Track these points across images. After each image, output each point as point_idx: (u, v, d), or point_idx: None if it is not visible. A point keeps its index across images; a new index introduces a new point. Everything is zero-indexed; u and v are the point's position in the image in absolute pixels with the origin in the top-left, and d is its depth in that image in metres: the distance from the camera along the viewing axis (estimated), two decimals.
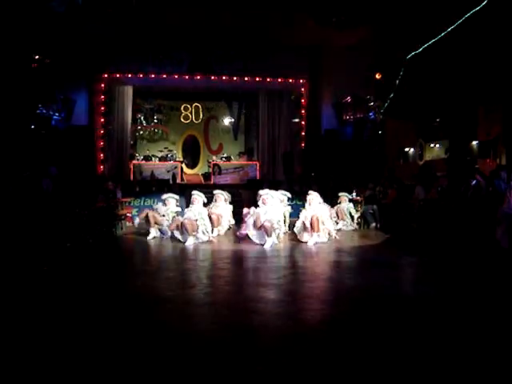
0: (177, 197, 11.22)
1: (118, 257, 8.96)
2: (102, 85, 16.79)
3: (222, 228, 11.39)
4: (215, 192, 12.00)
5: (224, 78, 16.74)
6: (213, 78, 16.65)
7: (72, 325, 4.46)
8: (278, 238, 9.86)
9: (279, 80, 17.19)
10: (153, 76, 16.50)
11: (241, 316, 4.78)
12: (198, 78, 16.61)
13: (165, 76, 16.49)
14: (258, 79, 16.97)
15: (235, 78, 16.85)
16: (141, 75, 16.52)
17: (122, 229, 11.95)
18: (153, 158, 18.80)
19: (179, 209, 10.97)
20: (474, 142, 12.21)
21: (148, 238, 10.53)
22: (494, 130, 11.48)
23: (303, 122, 17.69)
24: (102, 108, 16.80)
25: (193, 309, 5.06)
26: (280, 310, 5.04)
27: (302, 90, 17.68)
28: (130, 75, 16.59)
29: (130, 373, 3.44)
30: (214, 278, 6.72)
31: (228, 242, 10.31)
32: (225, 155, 19.78)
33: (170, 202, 11.02)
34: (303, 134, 17.68)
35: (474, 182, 9.61)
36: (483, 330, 4.37)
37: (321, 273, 7.41)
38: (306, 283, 6.42)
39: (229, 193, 12.31)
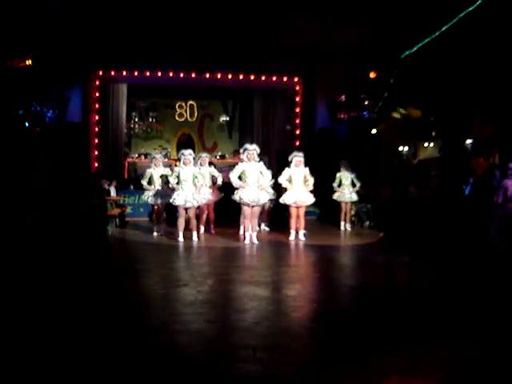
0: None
1: (110, 255, 8.94)
2: (97, 82, 16.72)
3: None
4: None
5: (219, 76, 16.71)
6: (207, 76, 16.61)
7: (62, 323, 4.45)
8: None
9: (274, 79, 17.17)
10: (147, 74, 16.44)
11: (234, 314, 4.79)
12: (193, 76, 16.57)
13: (159, 74, 16.44)
14: (252, 78, 16.95)
15: (230, 77, 16.82)
16: (135, 73, 16.46)
17: (115, 227, 11.95)
18: (147, 156, 18.74)
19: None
20: (468, 141, 12.25)
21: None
22: (487, 129, 11.53)
23: (297, 121, 17.69)
24: (97, 106, 16.74)
25: (185, 307, 5.06)
26: (273, 308, 5.05)
27: (297, 88, 17.69)
28: (124, 73, 16.52)
29: (120, 370, 3.43)
30: (206, 276, 6.73)
31: (222, 239, 10.32)
32: (219, 153, 19.78)
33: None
34: (297, 132, 17.68)
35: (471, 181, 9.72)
36: (480, 327, 4.39)
37: (314, 271, 7.44)
38: (299, 281, 6.44)
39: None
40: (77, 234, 9.32)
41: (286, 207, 10.59)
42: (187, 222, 9.97)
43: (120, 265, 7.88)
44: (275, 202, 11.44)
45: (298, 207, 10.18)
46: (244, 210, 9.81)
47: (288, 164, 10.53)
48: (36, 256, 7.41)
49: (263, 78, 17.03)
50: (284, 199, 10.26)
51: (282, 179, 10.27)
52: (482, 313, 4.90)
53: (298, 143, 17.62)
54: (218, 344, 3.94)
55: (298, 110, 17.71)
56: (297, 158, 10.28)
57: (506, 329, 4.35)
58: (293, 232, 10.18)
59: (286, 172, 10.30)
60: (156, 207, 10.96)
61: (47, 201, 9.80)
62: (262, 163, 9.96)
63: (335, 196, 12.09)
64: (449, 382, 3.27)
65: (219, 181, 10.91)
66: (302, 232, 10.20)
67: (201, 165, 10.85)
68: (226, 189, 11.22)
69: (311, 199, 10.29)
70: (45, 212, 8.61)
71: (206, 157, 11.09)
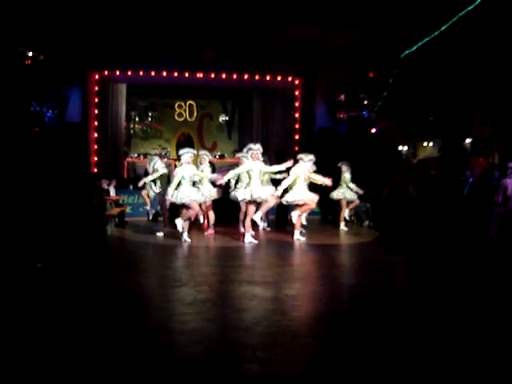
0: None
1: (109, 255, 8.93)
2: (96, 82, 16.72)
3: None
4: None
5: (218, 76, 16.70)
6: (207, 75, 16.60)
7: (61, 323, 4.45)
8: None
9: (273, 78, 17.16)
10: (147, 73, 16.44)
11: (233, 313, 4.79)
12: (192, 75, 16.57)
13: (159, 74, 16.44)
14: (251, 77, 16.94)
15: (229, 76, 16.81)
16: (134, 73, 16.45)
17: (114, 227, 11.94)
18: (147, 156, 18.73)
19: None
20: (468, 141, 12.26)
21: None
22: (486, 129, 11.54)
23: (296, 122, 17.68)
24: (96, 105, 16.73)
25: (184, 307, 5.05)
26: (273, 308, 5.05)
27: (296, 88, 17.68)
28: (123, 72, 16.51)
29: (119, 370, 3.43)
30: (206, 276, 6.72)
31: (222, 239, 10.31)
32: (219, 153, 19.79)
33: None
34: (297, 132, 17.67)
35: (467, 174, 9.74)
36: (480, 326, 4.39)
37: (314, 270, 7.43)
38: (298, 280, 6.43)
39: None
40: (76, 233, 9.31)
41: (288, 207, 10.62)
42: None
43: (119, 265, 7.87)
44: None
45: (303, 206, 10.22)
46: (248, 208, 9.84)
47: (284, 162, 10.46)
48: (35, 256, 7.39)
49: (263, 77, 17.01)
50: (288, 199, 10.25)
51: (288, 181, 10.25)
52: (481, 313, 4.90)
53: (297, 143, 17.63)
54: (218, 343, 3.94)
55: (297, 109, 17.69)
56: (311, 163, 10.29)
57: (506, 330, 4.35)
58: (296, 231, 10.15)
59: (293, 173, 10.29)
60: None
61: (46, 200, 9.79)
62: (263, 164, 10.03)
63: (334, 195, 12.04)
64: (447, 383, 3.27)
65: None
66: (297, 232, 10.17)
67: (200, 163, 10.87)
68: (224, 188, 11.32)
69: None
70: (44, 212, 8.59)
71: (204, 154, 11.06)
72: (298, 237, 10.07)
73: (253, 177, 9.72)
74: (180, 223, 9.71)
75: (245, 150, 10.16)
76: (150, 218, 13.12)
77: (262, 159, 9.97)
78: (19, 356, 3.63)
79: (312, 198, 10.23)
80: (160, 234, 10.70)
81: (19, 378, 3.29)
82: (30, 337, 4.06)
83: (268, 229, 11.78)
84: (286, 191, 10.22)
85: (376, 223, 12.23)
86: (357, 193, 12.07)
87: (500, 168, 9.15)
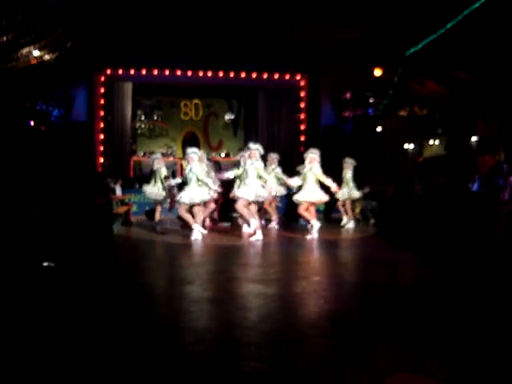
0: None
1: (116, 253, 8.96)
2: (102, 81, 16.75)
3: None
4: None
5: (223, 74, 16.70)
6: (212, 74, 16.61)
7: (68, 321, 4.48)
8: None
9: (278, 77, 17.13)
10: (152, 72, 16.45)
11: (238, 311, 4.80)
12: (197, 74, 16.57)
13: (164, 73, 16.45)
14: (257, 76, 16.92)
15: (234, 75, 16.81)
16: (140, 72, 16.45)
17: (120, 225, 11.99)
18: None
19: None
20: (474, 138, 12.23)
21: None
22: (492, 127, 11.50)
23: (302, 117, 17.66)
24: (102, 104, 16.76)
25: (190, 305, 5.07)
26: (278, 306, 5.06)
27: (302, 86, 17.65)
28: (129, 72, 16.51)
29: (125, 367, 3.45)
30: (212, 274, 6.74)
31: (228, 237, 10.34)
32: (225, 152, 19.80)
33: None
34: (302, 130, 17.64)
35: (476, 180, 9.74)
36: (484, 325, 4.39)
37: (319, 268, 7.44)
38: (305, 278, 6.44)
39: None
40: (82, 232, 9.34)
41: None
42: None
43: (125, 263, 7.90)
44: (284, 198, 11.99)
45: (311, 204, 10.28)
46: (249, 207, 9.90)
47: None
48: (41, 255, 7.44)
49: (268, 76, 16.99)
50: (298, 198, 10.33)
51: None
52: (485, 312, 4.89)
53: (303, 141, 17.61)
54: (223, 341, 3.96)
55: (303, 108, 17.67)
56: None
57: (508, 329, 4.35)
58: (311, 228, 10.17)
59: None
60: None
61: (52, 199, 9.83)
62: (261, 164, 10.05)
63: (339, 194, 12.01)
64: (450, 382, 3.27)
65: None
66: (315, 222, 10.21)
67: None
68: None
69: (325, 197, 10.38)
70: (50, 210, 8.63)
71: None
72: (316, 229, 10.09)
73: (249, 176, 9.76)
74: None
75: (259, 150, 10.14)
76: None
77: (259, 159, 10.07)
78: (24, 352, 3.66)
79: (321, 198, 10.31)
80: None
81: (22, 376, 3.32)
82: (37, 334, 4.09)
83: (276, 226, 11.85)
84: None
85: (381, 221, 12.20)
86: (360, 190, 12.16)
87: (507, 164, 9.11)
